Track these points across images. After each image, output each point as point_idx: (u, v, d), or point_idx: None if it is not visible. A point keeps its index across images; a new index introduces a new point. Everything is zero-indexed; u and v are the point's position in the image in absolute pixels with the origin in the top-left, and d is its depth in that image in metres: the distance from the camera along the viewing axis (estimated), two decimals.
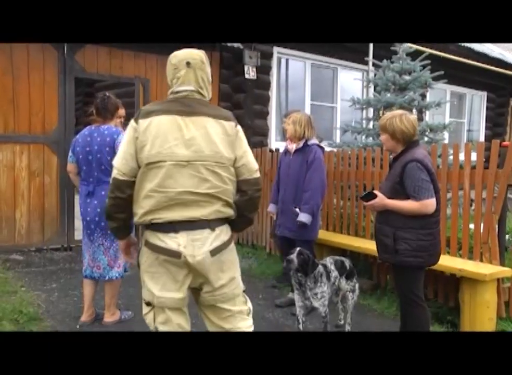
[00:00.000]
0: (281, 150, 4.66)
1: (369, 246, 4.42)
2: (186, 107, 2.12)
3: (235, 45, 6.74)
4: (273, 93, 7.48)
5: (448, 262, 3.91)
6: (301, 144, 4.14)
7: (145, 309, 2.21)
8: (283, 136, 7.71)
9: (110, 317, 3.62)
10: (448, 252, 4.19)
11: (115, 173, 2.13)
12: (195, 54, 2.19)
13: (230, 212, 2.19)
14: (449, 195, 4.39)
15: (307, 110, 8.02)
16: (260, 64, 7.00)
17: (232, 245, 2.25)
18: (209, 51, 6.78)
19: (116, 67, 6.21)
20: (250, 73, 6.91)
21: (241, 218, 2.26)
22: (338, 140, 7.66)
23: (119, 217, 2.19)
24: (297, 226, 4.04)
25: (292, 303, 3.82)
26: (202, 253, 2.06)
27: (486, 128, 11.65)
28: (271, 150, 6.18)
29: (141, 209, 2.09)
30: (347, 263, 3.65)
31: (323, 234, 5.02)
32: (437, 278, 4.14)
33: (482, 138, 11.28)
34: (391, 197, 2.91)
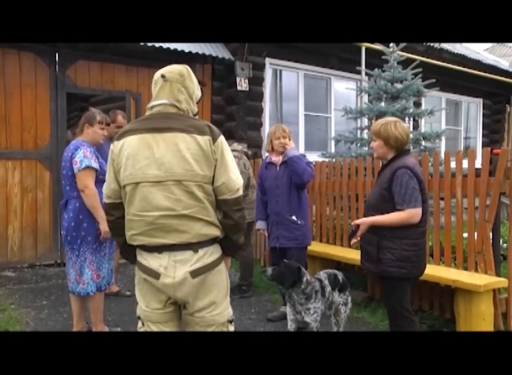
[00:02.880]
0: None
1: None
2: (158, 123, 2.05)
3: (227, 56, 6.74)
4: (266, 104, 7.47)
5: (442, 273, 3.85)
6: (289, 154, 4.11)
7: (139, 324, 2.21)
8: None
9: None
10: (443, 262, 4.14)
11: (103, 197, 2.17)
12: (173, 68, 2.15)
13: (214, 232, 2.09)
14: (442, 204, 4.35)
15: (301, 121, 8.03)
16: (253, 76, 6.99)
17: (220, 267, 2.15)
18: (201, 64, 6.80)
19: (107, 81, 6.21)
20: (242, 84, 6.90)
21: (227, 241, 2.17)
22: (333, 150, 7.64)
23: (118, 241, 2.22)
24: (299, 234, 4.05)
25: (284, 317, 3.76)
26: (181, 274, 2.02)
27: (483, 135, 11.64)
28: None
29: (128, 231, 2.10)
30: (340, 276, 3.59)
31: (316, 246, 4.97)
32: (432, 290, 4.07)
33: (479, 145, 11.26)
34: (378, 203, 2.87)
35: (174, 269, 2.01)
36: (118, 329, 3.74)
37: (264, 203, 4.26)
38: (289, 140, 4.10)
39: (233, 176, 2.09)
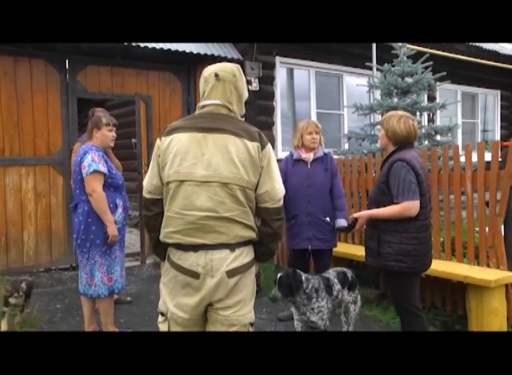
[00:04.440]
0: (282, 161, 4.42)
1: None
2: (209, 123, 2.01)
3: (236, 56, 6.74)
4: (277, 103, 7.44)
5: (453, 268, 3.78)
6: (320, 152, 3.99)
7: (160, 318, 2.17)
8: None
9: None
10: (454, 257, 4.06)
11: (143, 191, 2.14)
12: (227, 67, 2.11)
13: (251, 234, 2.07)
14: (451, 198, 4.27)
15: (314, 119, 7.96)
16: (263, 75, 6.97)
17: (252, 269, 2.13)
18: (209, 64, 6.80)
19: (118, 85, 6.28)
20: (253, 84, 6.89)
21: (261, 247, 2.14)
22: (347, 147, 7.57)
23: (152, 236, 2.18)
24: (331, 236, 3.94)
25: None
26: (219, 273, 1.99)
27: (502, 127, 11.36)
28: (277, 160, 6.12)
29: (165, 228, 2.07)
30: (349, 274, 3.55)
31: None
32: (444, 286, 4.00)
33: (497, 138, 11.01)
34: (377, 197, 2.89)
35: (212, 267, 1.99)
36: (129, 330, 3.77)
37: (284, 201, 4.08)
38: (320, 137, 3.98)
39: (277, 185, 2.07)
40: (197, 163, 1.98)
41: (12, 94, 5.59)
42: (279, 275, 3.14)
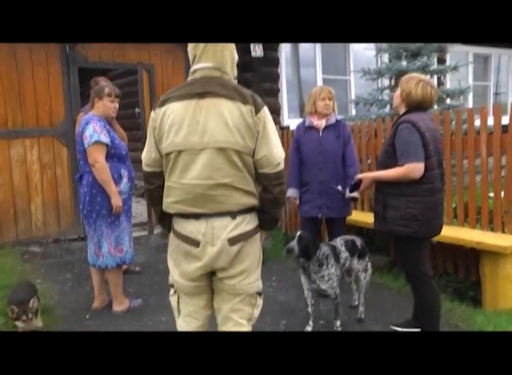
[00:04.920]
0: (293, 128, 4.28)
1: None
2: (201, 88, 1.94)
3: None
4: (282, 70, 7.26)
5: (466, 234, 3.72)
6: (333, 119, 3.86)
7: (171, 291, 2.20)
8: (301, 112, 7.55)
9: (118, 306, 3.61)
10: (467, 223, 3.99)
11: (142, 165, 2.11)
12: None
13: (252, 201, 2.02)
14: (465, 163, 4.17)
15: (320, 84, 7.78)
16: None
17: (256, 237, 2.09)
18: None
19: (119, 54, 6.10)
20: (257, 50, 6.69)
21: (264, 215, 2.09)
22: (354, 113, 7.42)
23: (157, 209, 2.16)
24: (343, 204, 3.86)
25: None
26: (219, 241, 1.96)
27: None
28: (281, 128, 6.02)
29: (166, 198, 2.05)
30: (359, 242, 3.50)
31: None
32: (457, 252, 3.95)
33: (510, 101, 10.75)
34: (384, 160, 2.86)
35: (212, 235, 1.96)
36: (139, 300, 3.77)
37: (298, 170, 3.94)
38: (333, 105, 3.86)
39: (275, 149, 1.99)
40: (193, 131, 1.92)
41: (12, 65, 5.45)
42: (298, 232, 3.08)
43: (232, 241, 1.98)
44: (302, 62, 7.82)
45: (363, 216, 4.70)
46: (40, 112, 5.65)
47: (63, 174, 5.80)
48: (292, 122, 7.32)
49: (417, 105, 2.81)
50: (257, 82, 6.80)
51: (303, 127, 3.94)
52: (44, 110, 5.66)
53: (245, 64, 6.77)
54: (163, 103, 1.99)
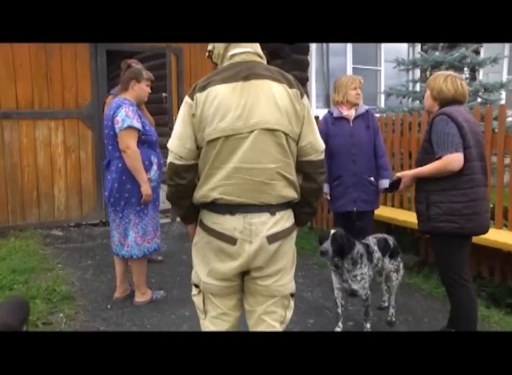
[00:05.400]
0: (321, 117, 4.14)
1: (414, 219, 4.07)
2: (245, 71, 1.83)
3: None
4: (312, 58, 7.06)
5: (507, 238, 3.53)
6: (362, 109, 3.72)
7: (194, 290, 2.04)
8: (328, 102, 7.35)
9: (141, 297, 3.53)
10: (506, 226, 3.80)
11: (171, 157, 1.89)
12: None
13: (293, 195, 1.90)
14: (507, 161, 3.97)
15: (349, 74, 7.57)
16: None
17: (293, 235, 1.99)
18: None
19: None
20: None
21: (304, 208, 1.98)
22: (383, 105, 7.19)
23: (183, 204, 1.97)
24: (376, 196, 3.76)
25: None
26: (258, 239, 1.83)
27: None
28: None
29: (202, 187, 1.88)
30: (391, 241, 3.35)
31: None
32: (493, 255, 3.76)
33: None
34: (422, 156, 2.76)
35: (250, 232, 1.82)
36: (161, 292, 3.68)
37: (327, 163, 3.68)
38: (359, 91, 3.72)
39: (318, 136, 1.94)
40: (241, 114, 1.79)
41: (40, 46, 5.39)
42: (332, 231, 2.94)
43: (271, 238, 1.85)
44: (332, 51, 7.61)
45: (392, 213, 4.54)
46: (66, 94, 5.59)
47: (86, 158, 5.74)
48: (319, 112, 7.15)
49: (451, 101, 2.71)
50: (287, 69, 6.56)
51: (331, 119, 3.78)
52: (70, 91, 5.60)
53: (275, 51, 6.60)
54: (204, 88, 1.84)
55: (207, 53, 2.07)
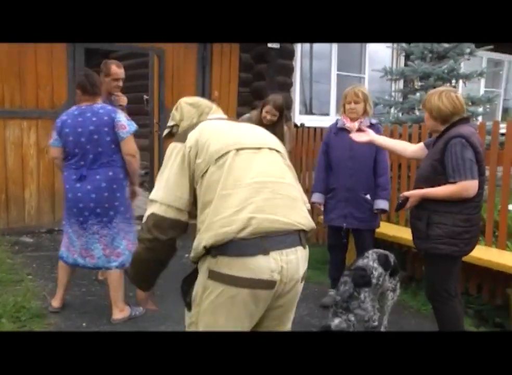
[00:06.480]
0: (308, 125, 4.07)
1: (402, 234, 4.01)
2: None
3: None
4: (297, 63, 6.96)
5: (495, 256, 3.47)
6: (366, 122, 3.55)
7: (190, 326, 1.75)
8: (311, 108, 7.28)
9: (118, 314, 3.31)
10: (494, 244, 3.74)
11: (156, 209, 1.64)
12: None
13: (311, 224, 1.69)
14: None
15: (333, 81, 7.50)
16: None
17: None
18: None
19: None
20: None
21: None
22: None
23: (151, 266, 1.73)
24: (371, 215, 3.59)
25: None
26: (294, 280, 1.60)
27: None
28: (295, 126, 5.73)
29: (215, 221, 1.53)
30: (392, 258, 3.25)
31: None
32: (481, 273, 3.68)
33: None
34: (429, 175, 2.67)
35: (287, 273, 1.57)
36: (141, 309, 3.45)
37: (325, 174, 3.67)
38: (366, 108, 3.52)
39: None
40: (241, 133, 1.73)
41: (13, 44, 5.08)
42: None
43: (303, 278, 1.68)
44: (316, 55, 7.53)
45: (381, 228, 4.43)
46: (41, 93, 5.32)
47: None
48: (303, 118, 7.04)
49: (452, 116, 2.64)
50: (271, 74, 6.48)
51: (335, 129, 3.67)
52: (45, 91, 5.33)
53: (260, 55, 6.45)
54: (193, 127, 1.76)
55: (167, 130, 1.90)
